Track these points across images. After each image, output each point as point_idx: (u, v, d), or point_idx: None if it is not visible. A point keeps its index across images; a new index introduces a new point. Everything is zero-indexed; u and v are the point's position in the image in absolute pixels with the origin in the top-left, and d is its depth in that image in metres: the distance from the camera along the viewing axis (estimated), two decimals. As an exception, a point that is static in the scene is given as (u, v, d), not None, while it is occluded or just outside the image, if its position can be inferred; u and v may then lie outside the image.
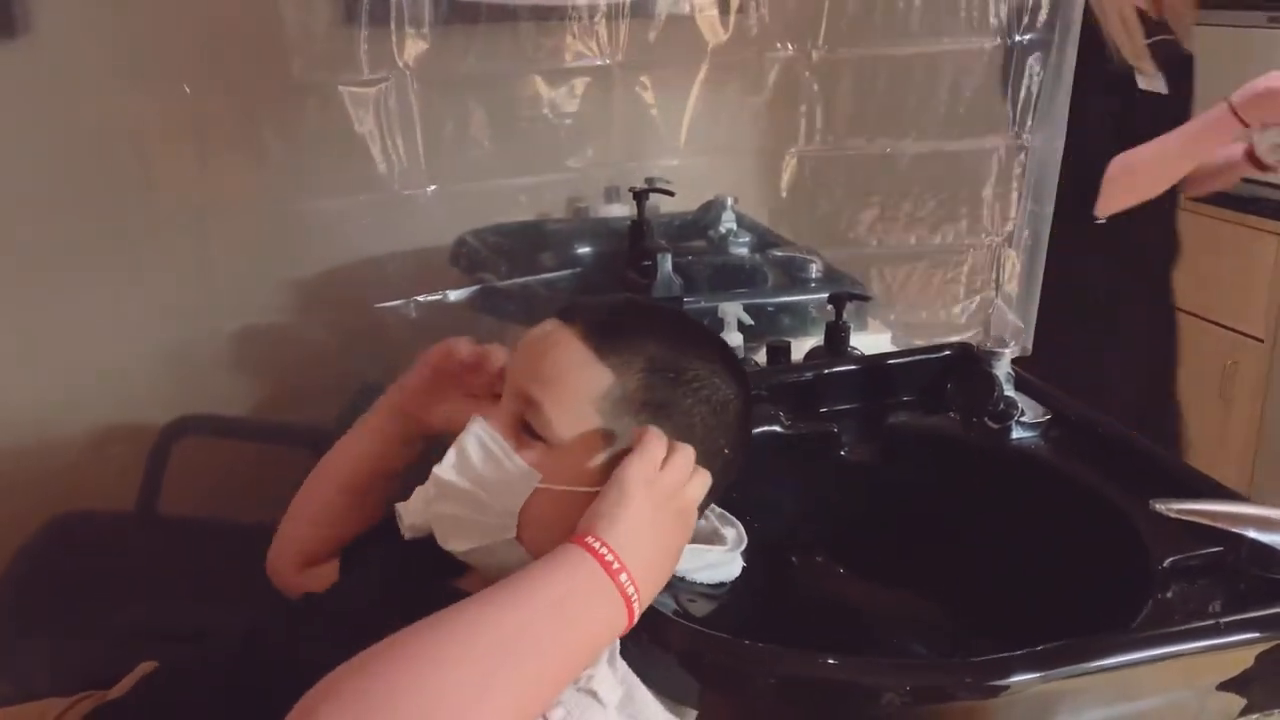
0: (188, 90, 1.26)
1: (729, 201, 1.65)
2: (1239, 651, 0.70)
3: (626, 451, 0.73)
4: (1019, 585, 0.92)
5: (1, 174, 1.32)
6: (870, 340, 1.35)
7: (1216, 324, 2.33)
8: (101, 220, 1.37)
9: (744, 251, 1.60)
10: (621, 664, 0.68)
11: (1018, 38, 1.35)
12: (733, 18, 1.40)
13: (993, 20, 1.37)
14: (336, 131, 1.26)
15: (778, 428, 1.06)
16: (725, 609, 0.83)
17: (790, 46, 1.42)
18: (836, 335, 1.26)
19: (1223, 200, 2.20)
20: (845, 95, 1.44)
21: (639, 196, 1.46)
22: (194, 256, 1.38)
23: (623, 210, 1.62)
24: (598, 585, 0.66)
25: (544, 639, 0.63)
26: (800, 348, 1.31)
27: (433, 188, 1.33)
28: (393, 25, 1.24)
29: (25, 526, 1.43)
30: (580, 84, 1.38)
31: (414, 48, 1.25)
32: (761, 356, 1.31)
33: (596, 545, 0.67)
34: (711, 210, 1.68)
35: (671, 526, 0.72)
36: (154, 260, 1.39)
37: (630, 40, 1.36)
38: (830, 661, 0.66)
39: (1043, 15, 1.33)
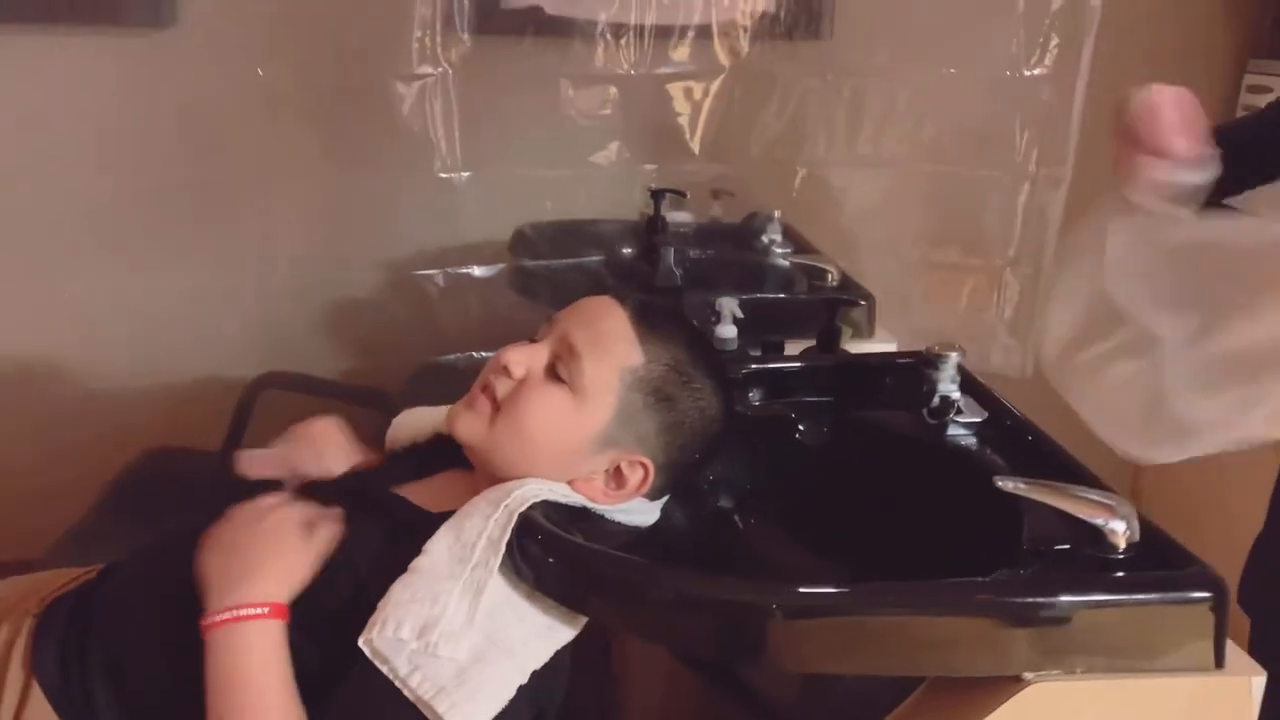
0: (260, 73, 1.47)
1: (775, 214, 1.74)
2: (1033, 610, 0.77)
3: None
4: (915, 566, 0.99)
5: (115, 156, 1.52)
6: (877, 347, 1.42)
7: None
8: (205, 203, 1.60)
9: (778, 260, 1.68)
10: (491, 592, 0.80)
11: (1028, 72, 1.41)
12: (750, 36, 1.52)
13: (1006, 54, 1.43)
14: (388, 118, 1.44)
15: (745, 409, 1.14)
16: (637, 546, 0.94)
17: (804, 68, 1.52)
18: (828, 336, 1.34)
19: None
20: (857, 116, 1.52)
21: (655, 196, 1.58)
22: (260, 234, 1.61)
23: (686, 217, 1.74)
24: (235, 641, 0.80)
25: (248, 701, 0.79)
26: (797, 348, 1.39)
27: (467, 174, 1.50)
28: (439, 28, 1.41)
29: (124, 457, 1.66)
30: (606, 90, 1.52)
31: (457, 50, 1.42)
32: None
33: (211, 622, 0.80)
34: (757, 220, 1.77)
35: (256, 541, 0.85)
36: (232, 238, 1.61)
37: (655, 54, 1.49)
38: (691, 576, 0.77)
39: (1053, 52, 1.39)
